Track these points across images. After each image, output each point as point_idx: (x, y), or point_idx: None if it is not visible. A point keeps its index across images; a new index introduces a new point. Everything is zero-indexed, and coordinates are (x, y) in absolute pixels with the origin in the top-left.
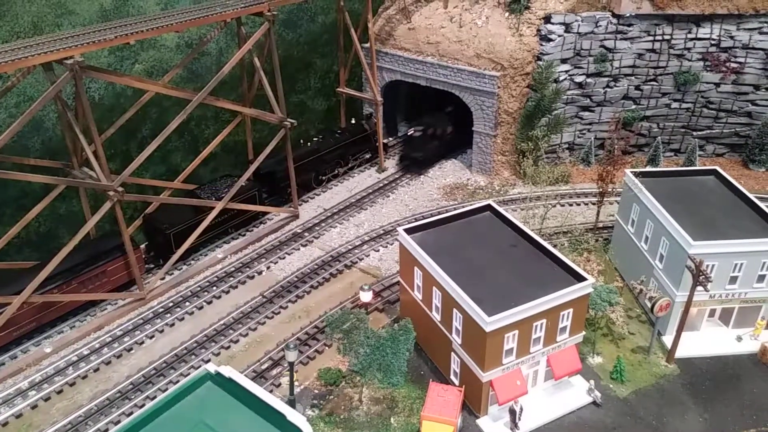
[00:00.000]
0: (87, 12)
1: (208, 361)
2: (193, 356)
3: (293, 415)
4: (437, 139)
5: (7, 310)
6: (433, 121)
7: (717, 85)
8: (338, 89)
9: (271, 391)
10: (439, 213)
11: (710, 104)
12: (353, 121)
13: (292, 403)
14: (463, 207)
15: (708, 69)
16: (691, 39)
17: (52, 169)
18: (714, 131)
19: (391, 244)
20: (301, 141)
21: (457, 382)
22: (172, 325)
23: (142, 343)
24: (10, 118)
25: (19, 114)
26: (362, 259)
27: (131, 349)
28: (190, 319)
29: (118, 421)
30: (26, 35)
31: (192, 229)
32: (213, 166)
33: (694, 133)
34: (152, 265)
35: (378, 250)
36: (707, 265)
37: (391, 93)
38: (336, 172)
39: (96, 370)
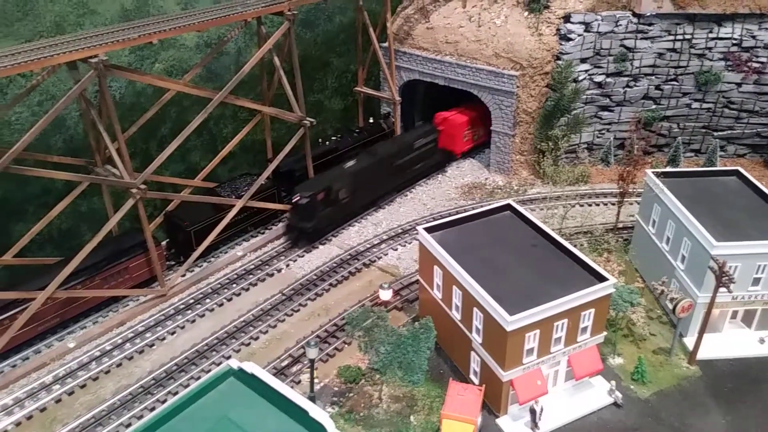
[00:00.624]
0: (108, 12)
1: (229, 357)
2: (213, 352)
3: (316, 412)
4: (332, 204)
5: (31, 305)
6: (324, 184)
7: (738, 84)
8: (356, 88)
9: (291, 388)
10: (457, 212)
11: (731, 104)
12: (371, 120)
13: (312, 400)
14: (482, 206)
15: (729, 69)
16: (713, 38)
17: (75, 167)
18: (735, 131)
19: (410, 243)
20: (320, 140)
21: (476, 382)
22: (193, 321)
23: (164, 339)
24: (33, 117)
25: (41, 112)
26: (380, 257)
27: (153, 345)
28: (211, 315)
29: (141, 416)
30: (48, 34)
31: (212, 226)
32: (231, 164)
33: (715, 134)
34: (173, 262)
35: (396, 249)
36: (730, 266)
37: (409, 92)
38: None
39: (119, 365)
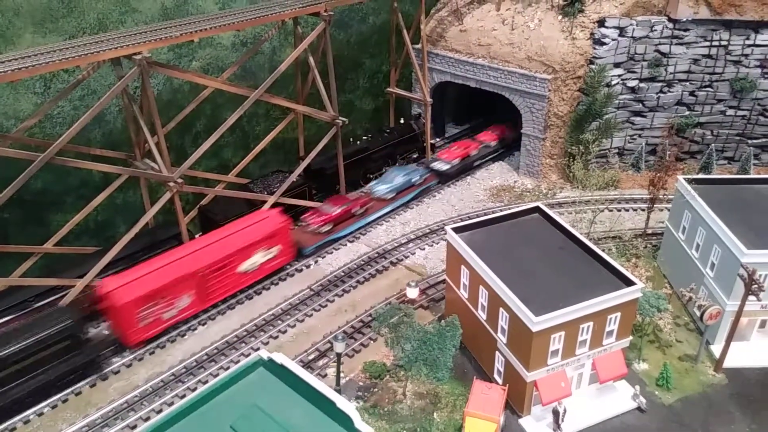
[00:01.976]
0: (149, 10)
1: (258, 349)
2: (243, 344)
3: (343, 403)
4: None
5: (71, 293)
6: None
7: None
8: (388, 89)
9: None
10: (486, 214)
11: (767, 112)
12: (402, 121)
13: (337, 394)
14: (511, 209)
15: (765, 76)
16: (749, 45)
17: (114, 160)
18: None
19: (437, 243)
20: (351, 139)
21: (500, 381)
22: (224, 313)
23: (195, 329)
24: (74, 111)
25: (82, 106)
26: (408, 256)
27: (185, 335)
28: (241, 308)
29: (172, 402)
30: (91, 31)
31: None
32: (263, 161)
33: (749, 141)
34: None
35: (423, 249)
36: (760, 275)
37: (439, 94)
38: (383, 170)
39: (151, 353)
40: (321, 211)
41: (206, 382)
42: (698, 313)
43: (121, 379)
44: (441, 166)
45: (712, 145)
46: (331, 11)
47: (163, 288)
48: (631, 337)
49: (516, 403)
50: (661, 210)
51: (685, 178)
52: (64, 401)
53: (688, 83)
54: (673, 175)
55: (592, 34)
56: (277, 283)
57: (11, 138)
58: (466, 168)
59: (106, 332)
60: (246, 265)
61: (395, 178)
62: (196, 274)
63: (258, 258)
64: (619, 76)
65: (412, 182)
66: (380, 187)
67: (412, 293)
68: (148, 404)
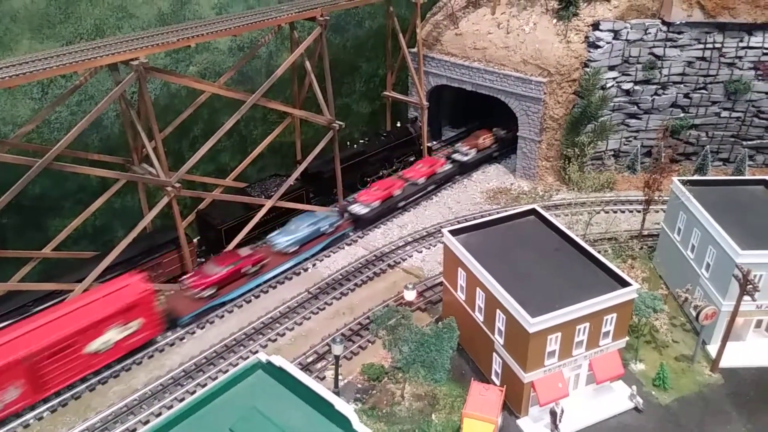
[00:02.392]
0: (146, 16)
1: (256, 352)
2: (241, 347)
3: (341, 405)
4: None
5: (69, 297)
6: None
7: None
8: (384, 93)
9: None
10: (482, 216)
11: (761, 114)
12: (399, 124)
13: (336, 396)
14: (507, 211)
15: (760, 78)
16: (743, 47)
17: (112, 165)
18: (765, 141)
19: (434, 246)
20: (348, 143)
21: (498, 382)
22: (222, 317)
23: (194, 333)
24: (72, 116)
25: (80, 112)
26: (405, 259)
27: (183, 338)
28: (239, 312)
29: (171, 406)
30: (89, 37)
31: (242, 225)
32: (260, 165)
33: (744, 143)
34: (204, 259)
35: (421, 251)
36: (755, 275)
37: (436, 97)
38: (381, 174)
39: (150, 357)
40: (203, 272)
41: (205, 385)
42: (694, 314)
43: (121, 383)
44: (359, 209)
45: (707, 146)
46: (327, 16)
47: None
48: (627, 338)
49: (513, 404)
50: (657, 211)
51: (680, 180)
52: (64, 405)
53: (682, 85)
54: (668, 176)
55: (586, 37)
56: (275, 287)
57: (9, 144)
58: (389, 210)
59: None
60: (97, 345)
61: (300, 227)
62: (23, 362)
63: (112, 335)
64: (614, 78)
65: (321, 231)
66: (281, 239)
67: (410, 296)
68: (147, 408)
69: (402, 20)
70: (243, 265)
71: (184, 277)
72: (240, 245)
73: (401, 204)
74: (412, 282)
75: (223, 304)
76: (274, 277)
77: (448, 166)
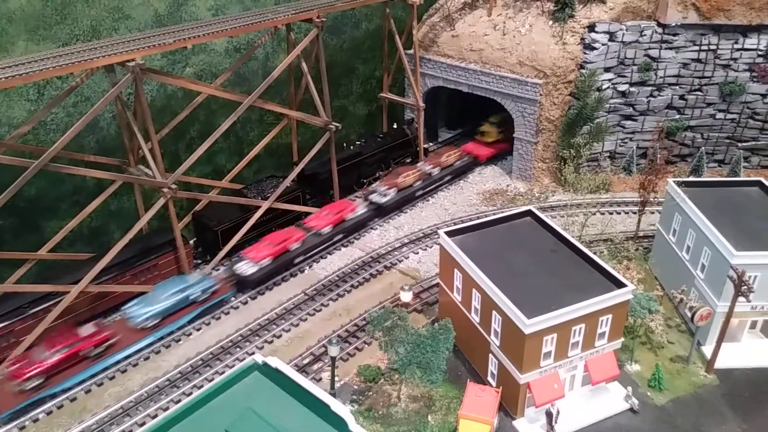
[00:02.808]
0: (142, 17)
1: (252, 353)
2: (238, 349)
3: (337, 407)
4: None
5: (65, 298)
6: None
7: (763, 96)
8: (381, 94)
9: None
10: (478, 218)
11: (756, 115)
12: (395, 126)
13: (332, 397)
14: (503, 212)
15: (754, 80)
16: (738, 49)
17: (108, 166)
18: (760, 143)
19: (431, 247)
20: (344, 144)
21: (494, 384)
22: (218, 318)
23: (190, 334)
24: (68, 117)
25: (76, 113)
26: (401, 260)
27: (179, 340)
28: (236, 313)
29: (167, 408)
30: (85, 38)
31: (238, 226)
32: (257, 167)
33: (739, 144)
34: (200, 261)
35: (417, 253)
36: (749, 276)
37: (432, 99)
38: (377, 175)
39: (146, 358)
40: (31, 357)
41: (201, 386)
42: (689, 315)
43: (117, 385)
44: (245, 269)
45: (702, 148)
46: (323, 17)
47: None
48: (623, 339)
49: (509, 405)
50: (652, 213)
51: (675, 181)
52: (59, 407)
53: (677, 87)
54: (663, 178)
55: (582, 39)
56: (271, 288)
57: (5, 145)
58: (284, 266)
59: None
60: None
61: (163, 296)
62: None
63: None
64: (610, 80)
65: (191, 300)
66: (139, 312)
67: (406, 297)
68: (143, 409)
69: (398, 22)
70: (82, 347)
71: (5, 363)
72: (237, 248)
73: (298, 260)
74: (408, 283)
75: (54, 395)
76: (128, 357)
77: (361, 211)
